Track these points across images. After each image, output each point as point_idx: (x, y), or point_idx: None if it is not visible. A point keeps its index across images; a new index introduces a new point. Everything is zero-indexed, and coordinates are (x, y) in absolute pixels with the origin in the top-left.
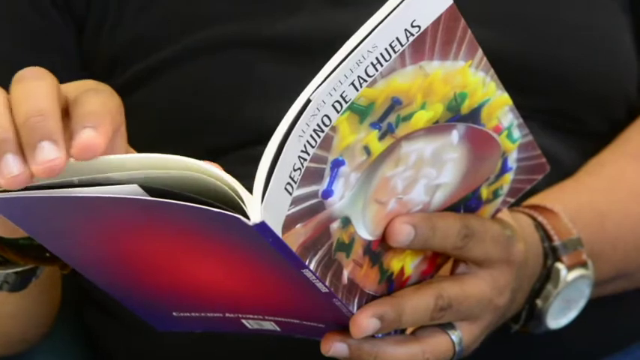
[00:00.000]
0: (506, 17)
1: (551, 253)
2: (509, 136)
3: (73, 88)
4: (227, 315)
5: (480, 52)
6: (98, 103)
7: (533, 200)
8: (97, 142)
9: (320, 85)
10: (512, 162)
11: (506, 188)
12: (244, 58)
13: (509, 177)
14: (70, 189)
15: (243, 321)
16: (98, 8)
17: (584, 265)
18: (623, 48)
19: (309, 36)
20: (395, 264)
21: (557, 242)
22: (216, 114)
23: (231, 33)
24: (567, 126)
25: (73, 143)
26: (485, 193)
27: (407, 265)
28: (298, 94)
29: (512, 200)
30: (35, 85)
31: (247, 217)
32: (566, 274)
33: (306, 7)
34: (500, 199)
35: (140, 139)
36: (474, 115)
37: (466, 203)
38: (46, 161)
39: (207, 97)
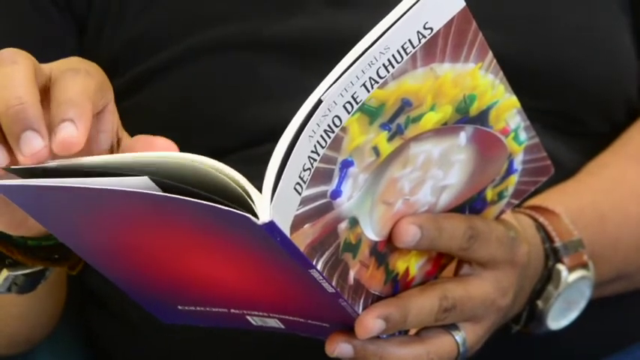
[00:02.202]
0: (508, 19)
1: (552, 255)
2: (516, 138)
3: (55, 67)
4: (232, 311)
5: (490, 54)
6: (77, 87)
7: (535, 201)
8: (77, 140)
9: (332, 85)
10: (517, 164)
11: (511, 190)
12: (245, 59)
13: (514, 179)
14: (81, 179)
15: (248, 317)
16: (99, 9)
17: (584, 266)
18: (623, 49)
19: (310, 37)
20: (400, 265)
21: (558, 243)
22: (218, 115)
23: (231, 34)
24: (568, 127)
25: (52, 138)
26: (490, 194)
27: (412, 265)
28: (299, 95)
29: (516, 202)
30: (12, 70)
31: (256, 216)
32: (567, 276)
33: (307, 9)
34: (504, 201)
35: None
36: (482, 117)
37: (471, 204)
38: (32, 153)
39: (209, 98)
